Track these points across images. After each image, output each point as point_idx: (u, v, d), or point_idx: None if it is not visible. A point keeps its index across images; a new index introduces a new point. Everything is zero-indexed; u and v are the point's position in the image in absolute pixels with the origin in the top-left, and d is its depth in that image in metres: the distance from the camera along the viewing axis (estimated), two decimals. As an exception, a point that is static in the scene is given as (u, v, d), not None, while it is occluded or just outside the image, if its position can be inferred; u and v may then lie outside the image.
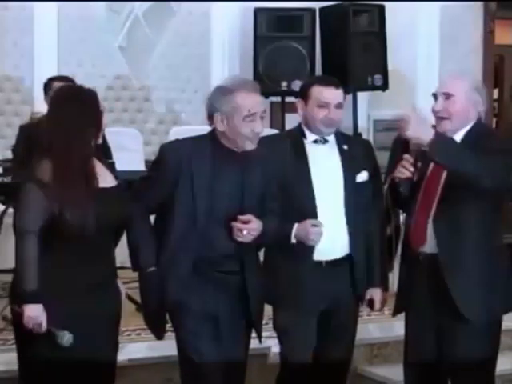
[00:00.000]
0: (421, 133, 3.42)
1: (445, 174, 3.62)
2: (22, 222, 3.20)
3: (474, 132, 3.62)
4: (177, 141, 3.65)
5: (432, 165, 3.64)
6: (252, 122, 3.44)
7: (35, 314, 3.17)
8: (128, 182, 3.62)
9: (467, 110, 3.61)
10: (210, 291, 3.49)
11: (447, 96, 3.60)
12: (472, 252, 3.60)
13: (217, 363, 3.44)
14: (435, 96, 3.65)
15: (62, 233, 3.18)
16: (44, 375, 3.24)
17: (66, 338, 3.16)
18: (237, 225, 3.43)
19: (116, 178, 3.41)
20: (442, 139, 3.46)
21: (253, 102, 3.45)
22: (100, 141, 3.32)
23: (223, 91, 3.47)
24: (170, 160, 3.49)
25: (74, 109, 3.24)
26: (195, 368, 3.44)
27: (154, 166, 3.62)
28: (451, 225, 3.60)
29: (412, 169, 3.55)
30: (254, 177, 3.54)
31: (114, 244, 3.45)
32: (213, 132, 3.54)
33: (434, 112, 3.64)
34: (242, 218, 3.43)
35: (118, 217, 3.30)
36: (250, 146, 3.49)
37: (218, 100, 3.46)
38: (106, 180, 3.32)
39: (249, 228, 3.44)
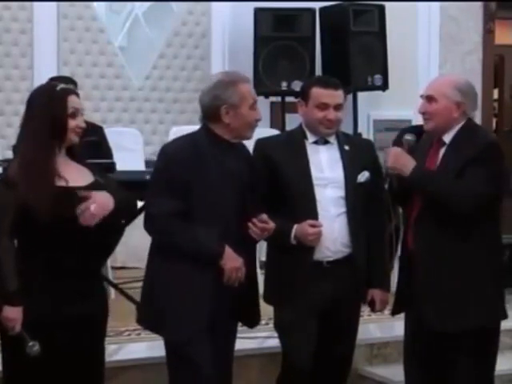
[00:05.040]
0: (401, 165, 3.64)
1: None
2: None
3: (460, 135, 3.67)
4: (175, 141, 3.65)
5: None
6: (255, 109, 3.54)
7: (13, 316, 3.14)
8: (128, 182, 3.60)
9: (448, 110, 3.66)
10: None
11: (429, 98, 3.70)
12: (450, 258, 3.60)
13: (210, 361, 3.43)
14: (422, 97, 3.75)
15: (29, 228, 3.18)
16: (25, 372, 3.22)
17: (34, 348, 3.13)
18: (260, 225, 3.47)
19: (94, 176, 3.33)
20: (418, 171, 3.62)
21: (252, 90, 3.60)
22: (76, 139, 3.28)
23: (226, 84, 3.52)
24: (177, 163, 3.46)
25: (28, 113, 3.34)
26: (189, 366, 3.45)
27: (160, 173, 3.53)
28: (431, 227, 3.61)
29: None
30: (249, 166, 3.60)
31: (106, 241, 3.38)
32: (205, 127, 3.55)
33: (420, 113, 3.75)
34: (261, 217, 3.47)
35: None
36: (251, 134, 3.58)
37: (224, 93, 3.50)
38: (81, 179, 3.28)
39: (269, 228, 3.49)
